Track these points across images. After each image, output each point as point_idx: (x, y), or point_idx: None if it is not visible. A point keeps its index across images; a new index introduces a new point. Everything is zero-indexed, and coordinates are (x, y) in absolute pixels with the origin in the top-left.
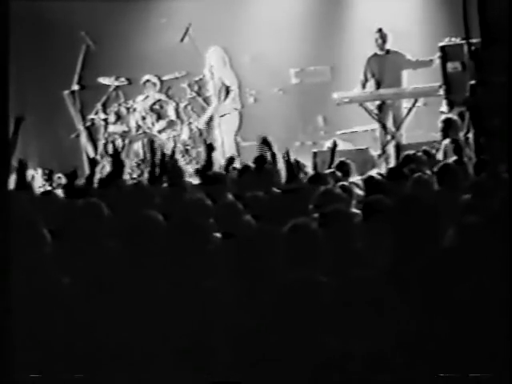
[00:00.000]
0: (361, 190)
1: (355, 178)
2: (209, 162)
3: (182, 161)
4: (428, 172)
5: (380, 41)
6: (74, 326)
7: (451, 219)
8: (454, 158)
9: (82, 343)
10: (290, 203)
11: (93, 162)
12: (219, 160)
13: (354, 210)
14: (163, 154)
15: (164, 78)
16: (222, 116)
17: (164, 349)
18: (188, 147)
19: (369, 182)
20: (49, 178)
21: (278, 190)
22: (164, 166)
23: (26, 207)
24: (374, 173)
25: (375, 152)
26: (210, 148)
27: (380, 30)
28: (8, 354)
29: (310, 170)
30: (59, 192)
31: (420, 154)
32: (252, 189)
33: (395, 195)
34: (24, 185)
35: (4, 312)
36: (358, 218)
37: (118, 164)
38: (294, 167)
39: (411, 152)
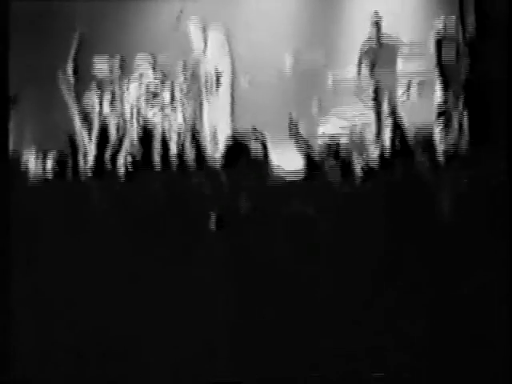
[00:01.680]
0: (357, 174)
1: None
2: (200, 149)
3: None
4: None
5: (375, 24)
6: (71, 319)
7: (449, 206)
8: (449, 142)
9: (79, 338)
10: (287, 193)
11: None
12: (208, 146)
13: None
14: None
15: (158, 61)
16: (213, 101)
17: (162, 346)
18: (182, 132)
19: (368, 168)
20: (43, 161)
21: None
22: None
23: (22, 193)
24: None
25: (370, 136)
26: (195, 136)
27: (375, 13)
28: (8, 349)
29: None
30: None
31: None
32: (249, 179)
33: (391, 181)
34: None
35: (4, 308)
36: (355, 205)
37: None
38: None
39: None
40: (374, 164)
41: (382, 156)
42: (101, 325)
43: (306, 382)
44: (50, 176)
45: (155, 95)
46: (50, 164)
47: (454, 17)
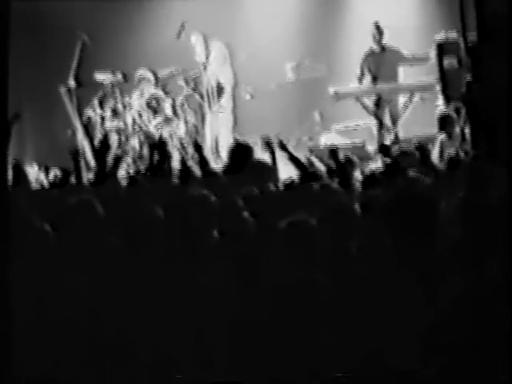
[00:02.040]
0: (359, 185)
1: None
2: (202, 160)
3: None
4: (424, 167)
5: (377, 36)
6: (72, 321)
7: (449, 214)
8: (451, 152)
9: (79, 338)
10: (287, 199)
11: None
12: (209, 156)
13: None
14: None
15: (159, 73)
16: (215, 113)
17: (161, 347)
18: (184, 144)
19: (369, 178)
20: (45, 173)
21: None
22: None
23: (23, 203)
24: (373, 167)
25: (371, 147)
26: (198, 148)
27: (377, 25)
28: (8, 352)
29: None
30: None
31: (415, 149)
32: (249, 186)
33: (392, 191)
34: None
35: (4, 309)
36: (355, 214)
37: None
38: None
39: (407, 147)
40: (375, 173)
41: (383, 166)
42: (100, 325)
43: (305, 383)
44: (51, 186)
45: (157, 107)
46: (51, 175)
47: (455, 29)
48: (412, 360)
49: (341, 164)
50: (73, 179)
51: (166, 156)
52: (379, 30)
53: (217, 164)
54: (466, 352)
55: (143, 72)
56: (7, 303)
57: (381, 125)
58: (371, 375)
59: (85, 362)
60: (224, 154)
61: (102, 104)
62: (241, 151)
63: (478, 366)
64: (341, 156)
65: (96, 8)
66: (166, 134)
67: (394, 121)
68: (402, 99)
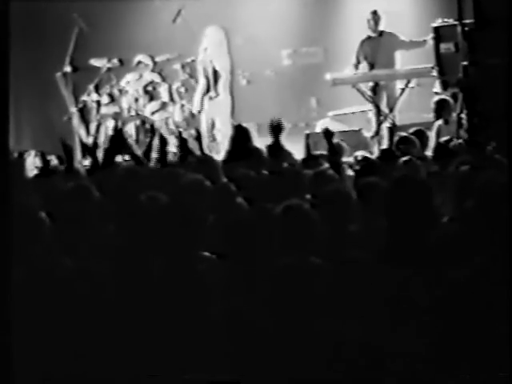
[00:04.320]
0: (353, 170)
1: (348, 159)
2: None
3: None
4: (421, 153)
5: (373, 22)
6: (68, 313)
7: (446, 200)
8: (447, 138)
9: (77, 333)
10: (282, 185)
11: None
12: (206, 142)
13: (348, 191)
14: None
15: (156, 59)
16: (211, 99)
17: (159, 346)
18: (180, 129)
19: (362, 163)
20: (42, 160)
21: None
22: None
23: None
24: (367, 154)
25: (368, 133)
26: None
27: (374, 12)
28: (7, 347)
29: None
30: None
31: (412, 134)
32: (243, 171)
33: (388, 176)
34: None
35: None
36: (351, 200)
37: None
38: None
39: (404, 133)
40: (372, 159)
41: (379, 152)
42: (98, 325)
43: (304, 382)
44: (47, 173)
45: (154, 93)
46: (47, 162)
47: (452, 18)
48: (408, 346)
49: (334, 148)
50: (67, 165)
51: (163, 141)
52: (376, 16)
53: (213, 148)
54: (462, 345)
55: (141, 57)
56: (7, 297)
57: (378, 111)
58: (368, 362)
59: (84, 363)
60: (220, 139)
61: (97, 89)
62: (241, 135)
63: (476, 362)
64: (335, 141)
65: None
66: (162, 119)
67: (391, 107)
68: (398, 85)
